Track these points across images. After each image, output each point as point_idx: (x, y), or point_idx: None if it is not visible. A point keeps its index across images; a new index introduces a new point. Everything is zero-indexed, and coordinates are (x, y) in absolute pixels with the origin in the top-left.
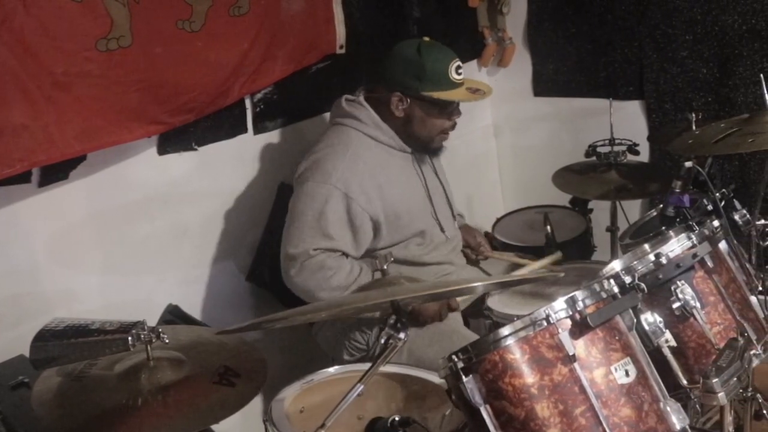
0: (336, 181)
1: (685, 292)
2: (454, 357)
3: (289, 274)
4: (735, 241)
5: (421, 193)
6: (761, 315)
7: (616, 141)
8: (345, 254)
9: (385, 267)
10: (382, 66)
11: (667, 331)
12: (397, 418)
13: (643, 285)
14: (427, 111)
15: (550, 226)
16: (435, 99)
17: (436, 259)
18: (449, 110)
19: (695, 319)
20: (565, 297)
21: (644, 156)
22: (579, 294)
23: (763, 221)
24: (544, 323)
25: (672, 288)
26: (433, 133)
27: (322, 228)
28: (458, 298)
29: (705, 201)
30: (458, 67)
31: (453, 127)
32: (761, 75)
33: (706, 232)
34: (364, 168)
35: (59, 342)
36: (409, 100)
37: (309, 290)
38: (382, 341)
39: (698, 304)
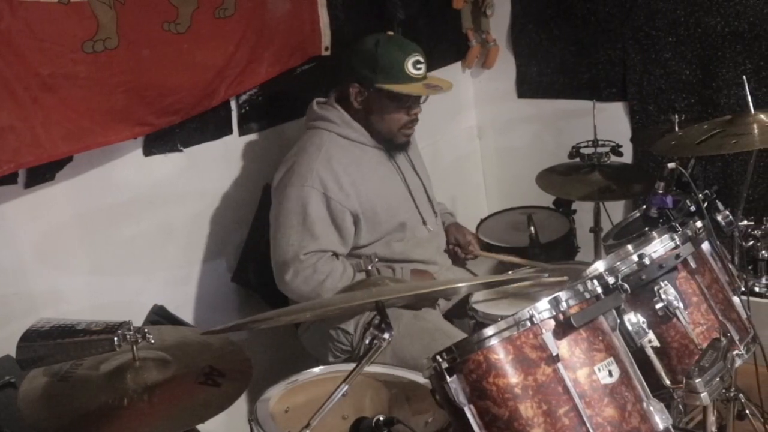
0: (313, 182)
1: (668, 292)
2: (438, 357)
3: (284, 280)
4: (718, 242)
5: (400, 187)
6: (744, 315)
7: (600, 142)
8: (335, 254)
9: (369, 268)
10: (345, 59)
11: (651, 331)
12: (381, 418)
13: (626, 285)
14: (383, 104)
15: (533, 227)
16: (388, 91)
17: (422, 257)
18: (407, 104)
19: (678, 319)
20: (549, 297)
21: (627, 157)
22: (562, 294)
23: (745, 222)
24: (528, 323)
25: (655, 288)
26: (392, 127)
27: (308, 229)
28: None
29: (688, 202)
30: (417, 62)
31: (413, 122)
32: (743, 77)
33: (689, 233)
34: (338, 166)
35: (45, 342)
36: (366, 93)
37: (304, 295)
38: (367, 342)
39: (681, 305)
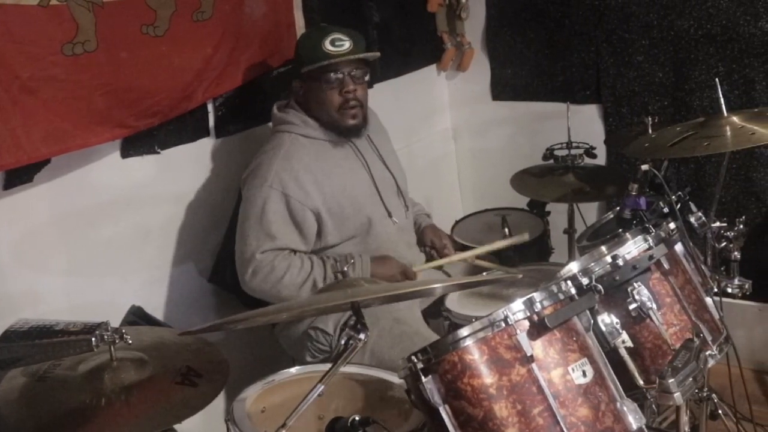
0: (272, 181)
1: (641, 293)
2: (413, 358)
3: (244, 279)
4: (691, 243)
5: (365, 181)
6: (716, 316)
7: (574, 144)
8: (294, 251)
9: (345, 269)
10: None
11: (624, 332)
12: (357, 418)
13: (600, 286)
14: (313, 88)
15: (508, 229)
16: (311, 73)
17: (391, 254)
18: (334, 84)
19: (651, 320)
20: (523, 298)
21: (601, 159)
22: (537, 295)
23: (718, 223)
24: (503, 324)
25: (628, 289)
26: (329, 110)
27: (265, 229)
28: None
29: (661, 204)
30: (335, 40)
31: (349, 101)
32: (716, 79)
33: (662, 234)
34: (299, 165)
35: (24, 343)
36: (302, 85)
37: (265, 292)
38: (342, 342)
39: (654, 306)
